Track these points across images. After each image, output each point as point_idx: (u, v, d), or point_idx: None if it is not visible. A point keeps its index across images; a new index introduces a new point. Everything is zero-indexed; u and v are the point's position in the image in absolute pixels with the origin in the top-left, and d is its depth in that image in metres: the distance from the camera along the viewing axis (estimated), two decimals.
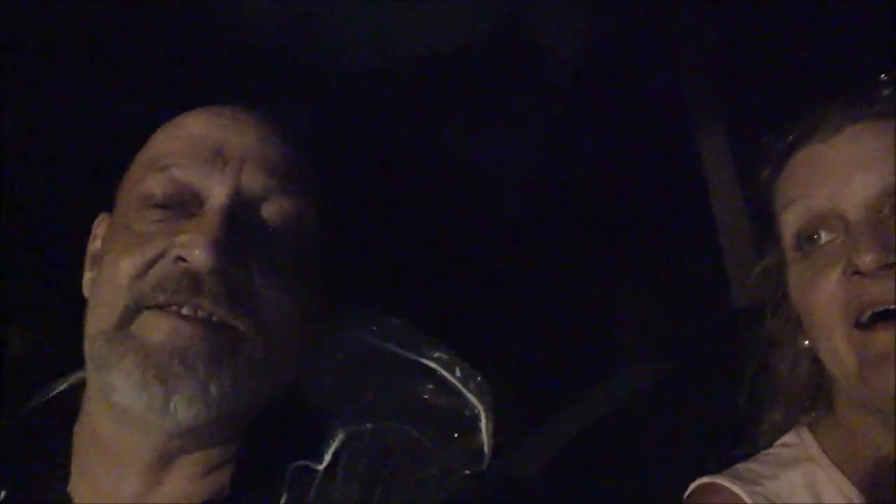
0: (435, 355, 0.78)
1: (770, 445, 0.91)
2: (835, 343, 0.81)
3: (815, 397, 0.89)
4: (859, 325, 0.78)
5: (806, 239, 0.84)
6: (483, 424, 0.74)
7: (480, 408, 0.74)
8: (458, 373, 0.76)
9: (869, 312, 0.77)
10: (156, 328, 0.66)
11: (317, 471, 0.70)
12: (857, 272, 0.77)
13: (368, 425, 0.73)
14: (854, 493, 0.82)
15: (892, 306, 0.76)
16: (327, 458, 0.70)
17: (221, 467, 0.71)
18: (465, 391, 0.75)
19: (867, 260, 0.76)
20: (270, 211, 0.72)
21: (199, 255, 0.66)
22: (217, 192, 0.71)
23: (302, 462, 0.70)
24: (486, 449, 0.73)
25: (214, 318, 0.68)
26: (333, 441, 0.72)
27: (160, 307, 0.67)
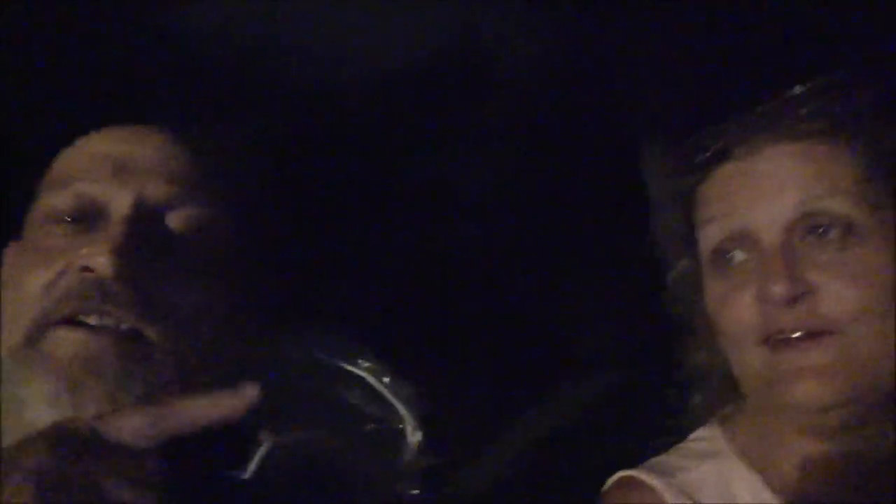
0: (365, 365, 0.79)
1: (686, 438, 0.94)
2: (744, 356, 0.84)
3: (731, 391, 0.91)
4: (768, 344, 0.81)
5: (721, 256, 0.86)
6: (409, 436, 0.75)
7: (408, 419, 0.76)
8: (385, 381, 0.77)
9: (776, 337, 0.80)
10: (64, 343, 0.67)
11: (240, 481, 0.70)
12: (767, 301, 0.80)
13: (296, 435, 0.74)
14: (761, 487, 0.85)
15: (799, 334, 0.79)
16: (252, 468, 0.71)
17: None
18: (392, 400, 0.76)
19: (777, 291, 0.78)
20: (175, 220, 0.74)
21: (103, 262, 0.67)
22: (120, 203, 0.72)
23: (225, 472, 0.70)
24: (412, 461, 0.74)
25: (123, 326, 0.68)
26: (259, 451, 0.72)
27: (68, 321, 0.68)
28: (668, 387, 1.00)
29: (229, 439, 0.73)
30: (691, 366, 0.95)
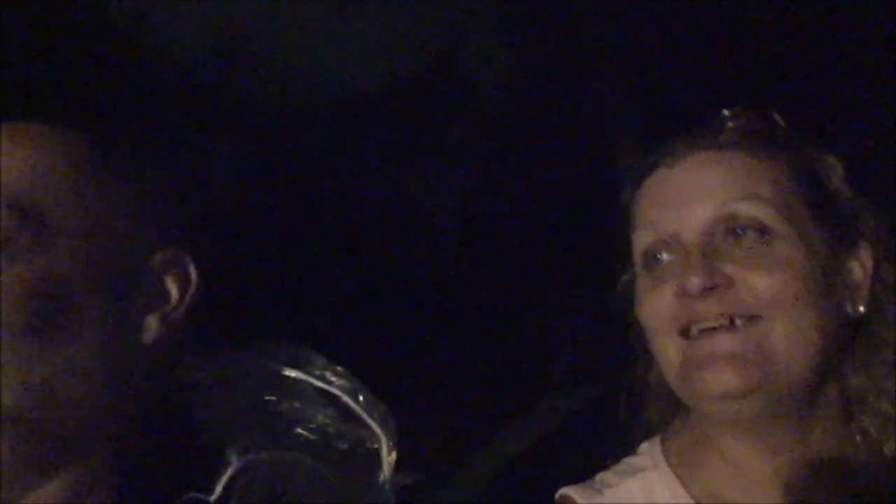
0: (339, 382, 0.76)
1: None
2: (664, 348, 0.89)
3: (677, 405, 0.95)
4: (685, 335, 0.86)
5: (651, 258, 0.91)
6: (384, 455, 0.72)
7: (383, 438, 0.73)
8: (361, 400, 0.75)
9: (696, 328, 0.85)
10: None
11: (208, 503, 0.67)
12: (685, 292, 0.85)
13: (265, 455, 0.71)
14: (683, 496, 0.90)
15: (714, 324, 0.84)
16: (219, 489, 0.68)
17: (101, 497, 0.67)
18: (367, 419, 0.74)
19: (694, 283, 0.83)
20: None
21: None
22: None
23: (192, 494, 0.67)
24: (386, 481, 0.72)
25: None
26: (226, 471, 0.69)
27: None
28: (629, 400, 1.04)
29: (194, 459, 0.70)
30: (641, 381, 1.00)
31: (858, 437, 0.89)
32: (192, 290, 0.74)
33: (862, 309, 0.88)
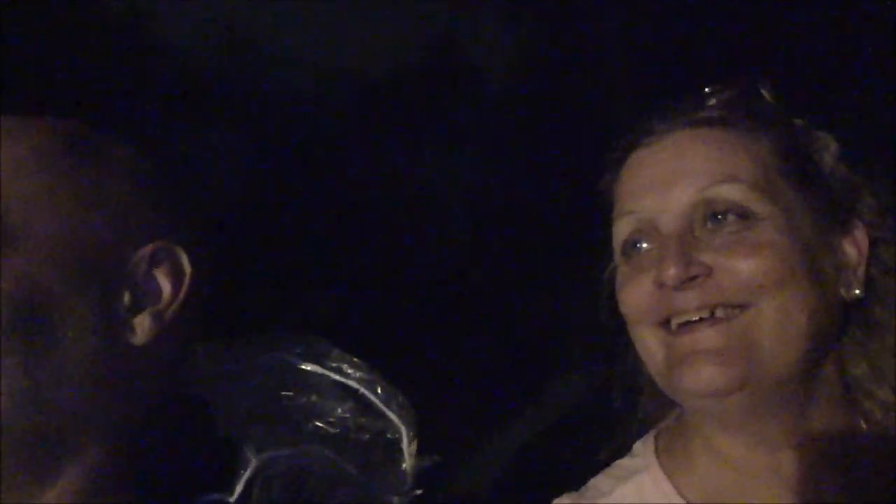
0: (357, 375, 0.75)
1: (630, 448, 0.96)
2: (645, 340, 0.85)
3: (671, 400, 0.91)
4: (666, 328, 0.83)
5: (630, 247, 0.87)
6: (405, 446, 0.71)
7: (403, 429, 0.72)
8: (379, 392, 0.73)
9: (675, 322, 0.82)
10: None
11: (228, 503, 0.66)
12: (662, 284, 0.81)
13: (284, 451, 0.69)
14: (674, 495, 0.87)
15: (693, 317, 0.80)
16: (239, 488, 0.67)
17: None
18: (387, 411, 0.72)
19: (670, 274, 0.80)
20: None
21: None
22: None
23: (212, 495, 0.66)
24: (408, 472, 0.71)
25: None
26: (245, 470, 0.68)
27: None
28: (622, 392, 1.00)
29: (212, 458, 0.69)
30: (634, 370, 0.95)
31: (864, 424, 0.84)
32: (186, 284, 0.70)
33: (857, 292, 0.84)
